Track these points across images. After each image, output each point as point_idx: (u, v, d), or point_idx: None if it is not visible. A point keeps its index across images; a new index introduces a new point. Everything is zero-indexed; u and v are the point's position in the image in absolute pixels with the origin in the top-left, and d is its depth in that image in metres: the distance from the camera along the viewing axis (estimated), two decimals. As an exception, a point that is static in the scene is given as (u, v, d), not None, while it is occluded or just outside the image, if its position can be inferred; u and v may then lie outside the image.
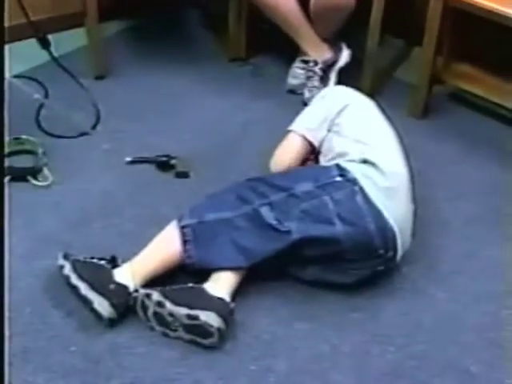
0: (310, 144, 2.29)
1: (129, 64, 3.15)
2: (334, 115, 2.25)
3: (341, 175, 2.04)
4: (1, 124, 0.85)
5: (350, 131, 2.21)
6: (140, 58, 3.20)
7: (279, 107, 2.62)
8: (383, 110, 2.32)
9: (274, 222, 1.97)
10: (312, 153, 2.32)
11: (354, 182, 2.01)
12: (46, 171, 2.53)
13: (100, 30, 3.01)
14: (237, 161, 2.54)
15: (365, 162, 2.08)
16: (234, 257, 1.98)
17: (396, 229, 1.99)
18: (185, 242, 2.00)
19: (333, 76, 3.02)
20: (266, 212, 1.99)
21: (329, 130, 2.26)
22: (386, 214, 1.98)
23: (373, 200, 1.98)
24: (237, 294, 1.98)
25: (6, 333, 0.80)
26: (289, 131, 2.33)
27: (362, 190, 2.00)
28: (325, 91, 2.41)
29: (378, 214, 1.97)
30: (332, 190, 2.00)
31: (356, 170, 2.05)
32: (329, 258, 2.00)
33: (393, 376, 1.87)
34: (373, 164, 2.06)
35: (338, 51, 3.03)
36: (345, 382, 1.84)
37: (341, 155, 2.15)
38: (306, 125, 2.31)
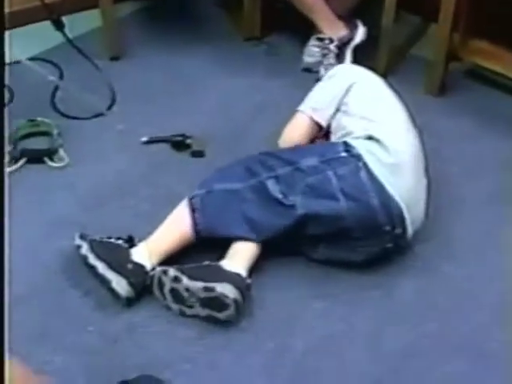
0: (318, 124, 2.28)
1: (143, 44, 3.15)
2: (342, 94, 2.24)
3: (346, 151, 2.03)
4: (1, 122, 0.85)
5: (357, 109, 2.20)
6: (154, 38, 3.19)
7: (294, 86, 2.61)
8: (392, 87, 2.30)
9: (280, 196, 1.98)
10: (321, 132, 2.31)
11: (359, 157, 2.01)
12: (61, 152, 2.54)
13: (114, 10, 3.01)
14: (251, 139, 2.53)
15: (370, 138, 2.07)
16: (242, 227, 1.99)
17: (402, 205, 1.98)
18: (193, 210, 2.02)
19: (348, 54, 3.00)
20: (272, 185, 2.00)
21: (337, 109, 2.25)
22: (391, 190, 1.97)
23: (377, 176, 1.98)
24: (253, 272, 1.99)
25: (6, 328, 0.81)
26: (297, 111, 2.33)
27: (365, 165, 1.99)
28: (332, 71, 2.40)
29: (381, 190, 1.97)
30: (336, 165, 2.00)
31: (361, 147, 2.04)
32: (335, 235, 2.00)
33: (407, 355, 1.87)
34: (377, 140, 2.05)
35: (353, 28, 3.01)
36: (360, 361, 1.84)
37: (348, 133, 2.14)
38: (313, 105, 2.30)
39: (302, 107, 2.31)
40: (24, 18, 3.00)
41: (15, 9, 3.03)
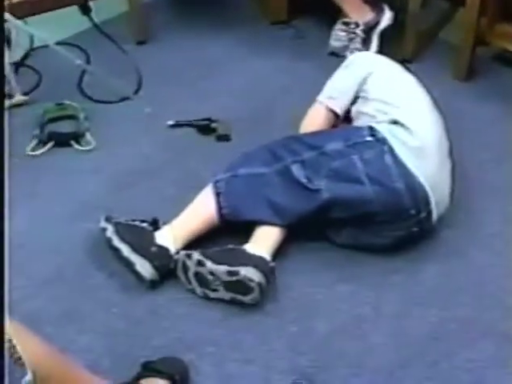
0: (335, 113, 2.28)
1: (169, 28, 3.15)
2: (360, 82, 2.23)
3: (371, 135, 2.02)
4: (1, 122, 0.85)
5: (378, 94, 2.18)
6: (181, 22, 3.20)
7: (320, 70, 2.59)
8: (413, 72, 2.28)
9: (305, 181, 1.97)
10: (338, 119, 2.31)
11: (384, 141, 2.00)
12: (88, 136, 2.56)
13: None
14: (277, 123, 2.53)
15: (394, 122, 2.06)
16: (266, 211, 2.00)
17: (427, 188, 1.97)
18: (218, 194, 2.03)
19: (375, 38, 2.98)
20: (297, 170, 1.99)
21: (357, 97, 2.24)
22: (416, 173, 1.96)
23: (402, 160, 1.97)
24: (277, 256, 1.99)
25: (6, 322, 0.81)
26: (316, 100, 2.32)
27: (391, 149, 1.98)
28: (348, 59, 2.39)
29: (407, 174, 1.95)
30: (362, 149, 1.99)
31: (385, 131, 2.03)
32: (360, 219, 2.00)
33: (432, 339, 1.86)
34: (401, 124, 2.04)
35: (379, 13, 2.99)
36: (385, 344, 1.84)
37: (371, 118, 2.13)
38: (330, 94, 2.30)
39: (319, 97, 2.31)
40: (52, 3, 3.00)
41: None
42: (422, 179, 1.96)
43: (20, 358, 1.18)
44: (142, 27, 3.08)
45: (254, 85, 2.81)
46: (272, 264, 1.92)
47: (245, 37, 3.09)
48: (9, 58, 2.70)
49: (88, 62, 2.87)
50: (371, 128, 2.05)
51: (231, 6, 3.35)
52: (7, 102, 2.75)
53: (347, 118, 2.30)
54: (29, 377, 1.19)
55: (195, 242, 2.03)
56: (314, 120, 2.31)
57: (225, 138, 2.53)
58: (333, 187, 1.96)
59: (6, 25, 2.64)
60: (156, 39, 3.10)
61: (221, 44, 3.05)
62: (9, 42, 2.90)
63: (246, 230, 2.03)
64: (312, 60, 2.91)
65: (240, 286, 1.86)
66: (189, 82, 2.83)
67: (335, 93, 2.29)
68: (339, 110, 2.27)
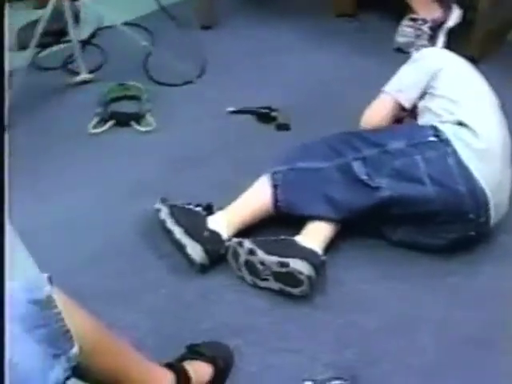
0: (401, 106, 2.24)
1: (236, 15, 3.16)
2: (429, 78, 2.19)
3: (435, 135, 1.99)
4: (1, 118, 0.86)
5: (445, 93, 2.14)
6: (247, 9, 3.20)
7: (384, 65, 2.56)
8: (483, 73, 2.23)
9: (365, 178, 1.95)
10: (404, 113, 2.27)
11: (447, 143, 1.96)
12: (149, 117, 2.59)
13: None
14: (337, 115, 2.50)
15: (459, 123, 2.02)
16: (323, 206, 1.98)
17: (488, 193, 1.93)
18: (275, 186, 2.02)
19: (441, 36, 2.93)
20: (358, 167, 1.98)
21: (424, 92, 2.20)
22: (478, 176, 1.92)
23: (465, 162, 1.93)
24: (329, 250, 1.98)
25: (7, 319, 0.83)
26: (381, 91, 2.29)
27: (454, 151, 1.94)
28: (418, 54, 2.34)
29: (469, 177, 1.92)
30: (424, 149, 1.96)
31: (449, 131, 1.99)
32: (418, 219, 1.97)
33: (475, 343, 1.81)
34: (466, 126, 2.00)
35: (448, 10, 2.94)
36: (429, 345, 1.81)
37: (436, 116, 2.10)
38: (398, 86, 2.25)
39: (386, 88, 2.27)
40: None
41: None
42: (483, 183, 1.92)
43: (68, 331, 1.20)
44: (208, 12, 3.10)
45: (316, 76, 2.80)
46: (323, 258, 1.91)
47: (310, 27, 3.08)
48: (77, 35, 2.74)
49: (153, 44, 2.90)
50: (435, 128, 2.02)
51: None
52: (74, 79, 2.80)
53: (411, 112, 2.27)
54: (75, 350, 1.21)
55: (247, 229, 2.03)
56: (378, 112, 2.28)
57: (284, 127, 2.53)
58: (394, 186, 1.94)
59: (76, 3, 2.68)
60: (222, 25, 3.11)
61: (285, 33, 3.05)
62: (77, 20, 2.95)
63: (298, 220, 2.02)
64: (376, 55, 2.88)
65: (289, 278, 1.86)
66: (251, 69, 2.83)
67: (403, 86, 2.24)
68: (407, 104, 2.22)
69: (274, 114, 2.55)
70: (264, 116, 2.57)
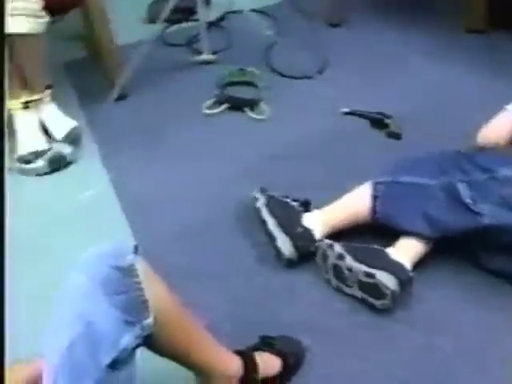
0: None
1: (365, 17, 3.14)
2: None
3: None
4: (1, 118, 0.88)
5: None
6: (377, 12, 3.17)
7: (510, 86, 2.49)
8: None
9: (469, 201, 1.90)
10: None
11: None
12: (263, 105, 2.61)
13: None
14: (451, 133, 2.44)
15: None
16: (420, 223, 1.94)
17: None
18: (375, 197, 2.00)
19: None
20: (463, 189, 1.92)
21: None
22: None
23: None
24: (418, 266, 1.94)
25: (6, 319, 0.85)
26: (504, 109, 2.21)
27: None
28: None
29: None
30: None
31: None
32: None
33: None
34: None
35: None
36: (500, 378, 1.75)
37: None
38: None
39: (509, 106, 2.20)
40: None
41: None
42: None
43: (146, 301, 1.23)
44: (337, 10, 3.09)
45: (435, 90, 2.74)
46: (411, 274, 1.88)
47: (436, 40, 3.02)
48: (205, 16, 2.79)
49: (278, 34, 2.91)
50: None
51: (431, 7, 3.27)
52: (197, 58, 2.85)
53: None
54: (150, 320, 1.24)
55: (340, 234, 2.02)
56: (497, 129, 2.20)
57: (395, 135, 2.49)
58: (498, 214, 1.88)
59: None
60: (349, 24, 3.09)
61: (411, 42, 3.00)
62: (208, 1, 3.00)
63: (392, 231, 1.99)
64: (504, 75, 2.79)
65: (374, 289, 1.84)
66: (372, 72, 2.81)
67: None
68: None
69: (387, 121, 2.52)
70: (377, 122, 2.54)
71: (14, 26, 2.27)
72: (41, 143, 2.49)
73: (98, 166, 2.47)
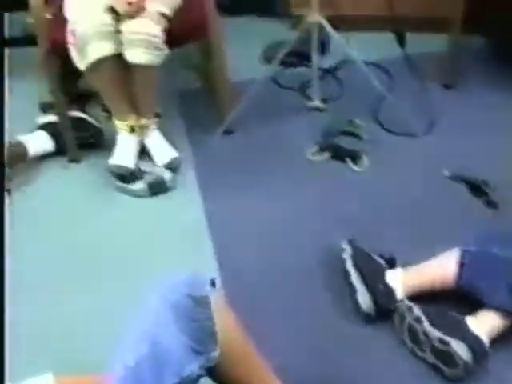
0: None
1: (480, 79, 3.07)
2: None
3: None
4: (1, 125, 0.91)
5: None
6: (488, 73, 3.08)
7: None
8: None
9: None
10: None
11: None
12: (365, 158, 2.62)
13: (461, 40, 2.96)
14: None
15: None
16: (505, 298, 1.89)
17: None
18: (461, 264, 1.97)
19: None
20: None
21: None
22: None
23: None
24: (497, 342, 1.88)
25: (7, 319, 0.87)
26: None
27: None
28: None
29: None
30: None
31: None
32: None
33: None
34: None
35: None
36: None
37: None
38: None
39: None
40: (364, 24, 3.10)
41: (361, 13, 3.15)
42: None
43: (214, 334, 1.26)
44: (451, 71, 3.05)
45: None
46: (487, 348, 1.84)
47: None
48: (319, 62, 2.84)
49: (389, 88, 2.92)
50: None
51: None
52: (307, 103, 2.90)
53: None
54: (217, 353, 1.27)
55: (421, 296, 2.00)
56: None
57: (493, 204, 2.44)
58: None
59: (327, 33, 2.77)
60: (465, 87, 3.05)
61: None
62: (324, 49, 3.05)
63: (474, 298, 1.95)
64: None
65: (446, 357, 1.81)
66: (476, 137, 2.73)
67: None
68: None
69: (486, 189, 2.48)
70: (476, 188, 2.51)
71: (134, 56, 2.38)
72: (131, 162, 2.60)
73: (194, 195, 2.55)
